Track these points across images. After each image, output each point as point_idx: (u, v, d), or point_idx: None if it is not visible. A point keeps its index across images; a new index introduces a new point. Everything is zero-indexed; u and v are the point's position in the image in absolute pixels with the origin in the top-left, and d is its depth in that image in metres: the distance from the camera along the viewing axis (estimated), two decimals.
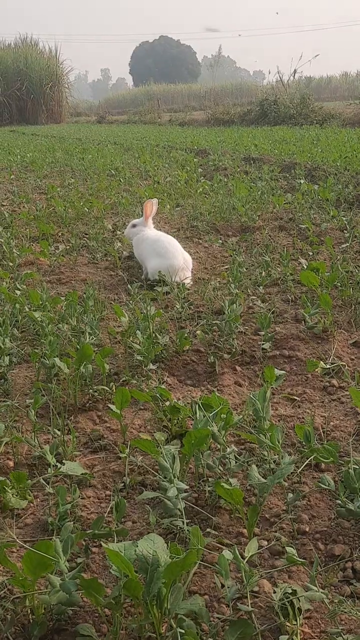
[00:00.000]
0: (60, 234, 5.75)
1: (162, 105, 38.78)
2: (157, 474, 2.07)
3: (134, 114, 32.77)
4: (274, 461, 2.08)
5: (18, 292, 3.77)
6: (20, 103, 36.76)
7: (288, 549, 1.61)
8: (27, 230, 5.81)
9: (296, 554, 1.61)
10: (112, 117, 35.09)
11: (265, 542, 1.77)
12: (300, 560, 1.57)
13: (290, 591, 1.52)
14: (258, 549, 1.68)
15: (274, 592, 1.53)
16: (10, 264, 4.69)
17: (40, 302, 3.52)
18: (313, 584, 1.51)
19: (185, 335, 3.09)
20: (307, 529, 1.82)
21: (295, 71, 23.94)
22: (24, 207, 7.10)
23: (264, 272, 4.18)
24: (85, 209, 6.57)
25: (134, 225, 4.68)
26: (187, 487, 1.89)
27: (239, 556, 1.52)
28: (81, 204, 6.76)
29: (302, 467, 2.07)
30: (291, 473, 2.03)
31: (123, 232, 5.11)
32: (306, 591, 1.50)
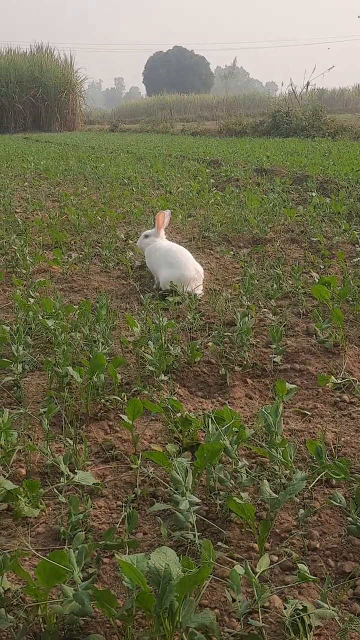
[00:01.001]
0: (73, 242, 5.80)
1: (175, 114, 39.03)
2: (168, 485, 2.08)
3: (147, 123, 33.00)
4: (285, 476, 2.08)
5: (31, 300, 3.81)
6: (35, 110, 37.12)
7: (300, 565, 1.62)
8: (41, 237, 5.86)
9: (308, 571, 1.62)
10: (125, 125, 35.33)
11: (276, 558, 1.78)
12: (312, 577, 1.57)
13: (300, 607, 1.52)
14: (269, 565, 1.68)
15: (285, 608, 1.53)
16: (24, 271, 4.73)
17: (53, 310, 3.54)
18: (324, 601, 1.52)
19: (197, 346, 3.10)
20: (317, 545, 1.82)
21: (308, 83, 24.00)
22: (37, 214, 7.16)
23: (275, 285, 4.20)
24: (98, 217, 6.62)
25: (146, 236, 4.72)
26: (199, 500, 1.90)
27: (251, 571, 1.53)
28: (94, 212, 6.81)
29: (313, 483, 2.07)
30: (302, 489, 2.04)
31: (135, 242, 5.15)
32: (317, 608, 1.51)
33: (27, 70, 37.36)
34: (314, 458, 2.12)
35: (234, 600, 1.55)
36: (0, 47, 60.42)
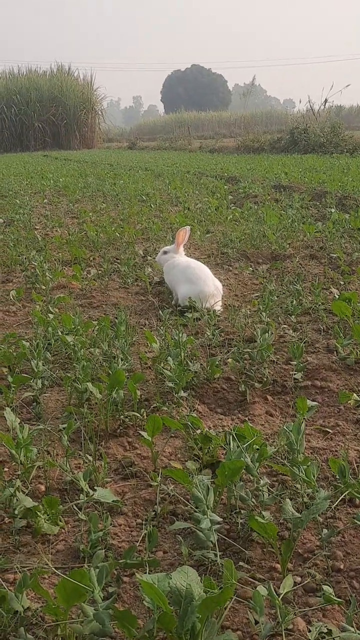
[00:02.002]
0: (92, 259, 5.83)
1: (193, 132, 39.35)
2: (188, 503, 2.06)
3: (165, 141, 33.31)
4: (308, 495, 2.05)
5: (51, 316, 3.82)
6: (54, 128, 37.75)
7: (325, 587, 1.58)
8: (60, 254, 5.90)
9: (332, 592, 1.58)
10: (143, 143, 35.68)
11: (299, 578, 1.74)
12: (336, 599, 1.53)
13: (325, 631, 1.49)
14: (292, 586, 1.65)
15: (309, 631, 1.50)
16: (43, 287, 4.76)
17: (73, 326, 3.55)
18: (349, 624, 1.48)
19: (216, 362, 3.08)
20: (341, 566, 1.78)
21: (326, 100, 24.05)
22: (56, 231, 7.22)
23: (295, 301, 4.17)
24: (117, 234, 6.66)
25: (165, 252, 4.73)
26: (220, 519, 1.87)
27: (274, 592, 1.50)
28: (113, 229, 6.85)
29: (336, 502, 2.03)
30: (325, 508, 2.00)
31: (154, 258, 5.16)
32: (342, 631, 1.47)
33: (47, 89, 38.09)
34: (337, 477, 2.09)
35: (256, 622, 1.52)
36: (21, 67, 61.59)
